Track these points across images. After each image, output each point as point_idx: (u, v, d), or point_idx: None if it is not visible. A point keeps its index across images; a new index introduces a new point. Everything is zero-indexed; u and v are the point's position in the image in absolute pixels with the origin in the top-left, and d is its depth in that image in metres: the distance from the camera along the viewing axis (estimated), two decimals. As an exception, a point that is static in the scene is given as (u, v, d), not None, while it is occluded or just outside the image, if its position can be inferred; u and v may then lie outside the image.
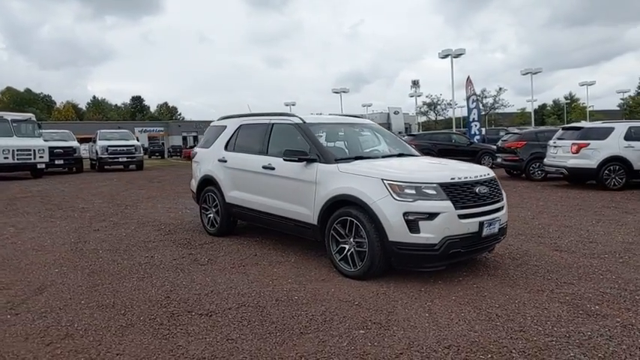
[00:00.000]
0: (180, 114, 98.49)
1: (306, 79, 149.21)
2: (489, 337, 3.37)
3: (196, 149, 7.52)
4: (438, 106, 45.20)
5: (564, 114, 74.02)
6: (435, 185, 4.45)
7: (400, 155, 5.75)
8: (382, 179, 4.56)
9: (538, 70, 43.88)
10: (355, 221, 4.68)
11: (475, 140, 21.19)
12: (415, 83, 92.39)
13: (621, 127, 11.72)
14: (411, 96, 58.17)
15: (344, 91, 51.44)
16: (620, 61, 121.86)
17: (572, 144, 11.89)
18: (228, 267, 5.26)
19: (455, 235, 4.41)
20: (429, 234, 4.34)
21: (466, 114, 27.66)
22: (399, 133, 40.35)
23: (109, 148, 21.29)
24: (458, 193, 4.51)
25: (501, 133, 26.29)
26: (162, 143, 58.14)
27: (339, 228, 4.87)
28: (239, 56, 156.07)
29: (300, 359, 3.09)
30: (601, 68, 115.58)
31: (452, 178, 4.56)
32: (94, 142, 22.54)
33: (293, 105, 61.65)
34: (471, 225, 4.49)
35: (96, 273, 5.08)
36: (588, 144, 11.70)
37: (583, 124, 12.76)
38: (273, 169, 5.71)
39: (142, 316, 3.83)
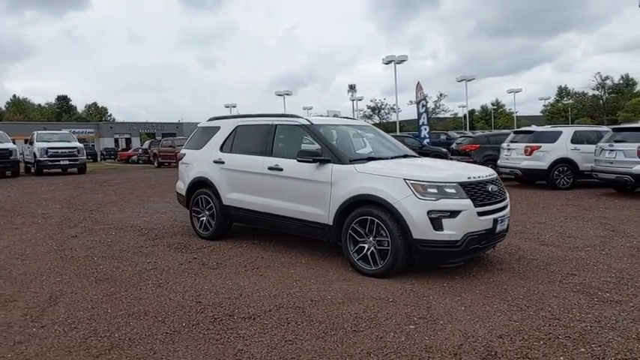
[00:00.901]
0: (110, 115, 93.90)
1: (241, 80, 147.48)
2: (531, 326, 3.59)
3: (184, 151, 7.29)
4: (382, 111, 46.62)
5: (492, 119, 78.58)
6: (455, 184, 4.67)
7: (405, 156, 5.93)
8: (405, 179, 4.70)
9: (472, 78, 46.41)
10: (376, 220, 4.79)
11: (425, 143, 22.02)
12: (352, 87, 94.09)
13: (568, 131, 12.74)
14: (353, 100, 59.27)
15: (287, 94, 51.48)
16: (538, 71, 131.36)
17: (526, 146, 12.75)
18: (242, 270, 5.17)
19: (474, 231, 4.64)
20: (452, 231, 4.54)
21: (408, 118, 28.79)
22: None
23: (49, 150, 19.92)
24: (475, 191, 4.75)
25: (442, 137, 27.58)
26: (93, 145, 55.17)
27: (358, 227, 4.95)
28: (171, 56, 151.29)
29: (368, 355, 3.14)
30: (521, 77, 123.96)
31: (469, 178, 4.80)
32: (31, 143, 21.00)
33: (234, 107, 60.86)
34: (487, 222, 4.75)
35: (104, 280, 4.81)
36: (540, 146, 12.60)
37: (534, 128, 13.70)
38: (280, 170, 5.68)
39: (184, 322, 3.70)
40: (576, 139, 12.61)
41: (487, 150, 15.04)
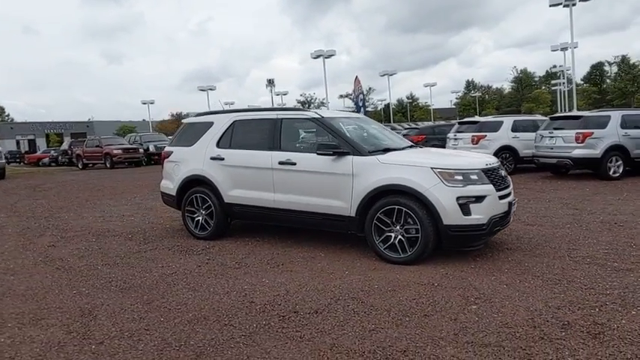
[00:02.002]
0: (8, 115, 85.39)
1: (151, 76, 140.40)
2: (576, 296, 3.93)
3: (172, 148, 6.92)
4: (312, 105, 46.65)
5: (407, 112, 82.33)
6: (477, 171, 4.94)
7: (411, 147, 6.12)
8: (431, 168, 4.88)
9: (393, 72, 48.23)
10: (404, 209, 4.92)
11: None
12: (270, 82, 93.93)
13: (508, 121, 13.78)
14: (277, 94, 59.08)
15: (210, 89, 50.11)
16: (444, 65, 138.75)
17: (472, 136, 13.61)
18: (267, 268, 5.08)
19: (496, 214, 4.95)
20: (479, 215, 4.81)
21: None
22: None
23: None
24: (493, 177, 5.06)
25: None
26: (-7, 148, 49.99)
27: (384, 217, 5.06)
28: (72, 51, 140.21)
29: (456, 336, 3.27)
30: (430, 71, 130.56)
31: (487, 164, 5.10)
32: None
33: (152, 103, 58.33)
34: (504, 205, 5.08)
35: (129, 289, 4.49)
36: (485, 136, 13.51)
37: (477, 118, 14.66)
38: (293, 164, 5.62)
39: (253, 324, 3.59)
40: (516, 128, 13.68)
41: (433, 140, 15.83)
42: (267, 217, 5.99)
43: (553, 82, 57.81)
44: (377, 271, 4.83)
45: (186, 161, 6.61)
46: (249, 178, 6.01)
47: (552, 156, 11.87)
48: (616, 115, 11.57)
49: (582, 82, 72.58)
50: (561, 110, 58.48)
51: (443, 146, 14.88)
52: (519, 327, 3.37)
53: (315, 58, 35.99)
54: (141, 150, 24.02)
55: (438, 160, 5.10)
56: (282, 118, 5.98)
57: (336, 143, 5.38)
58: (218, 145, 6.35)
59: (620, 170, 11.27)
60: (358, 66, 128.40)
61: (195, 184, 6.49)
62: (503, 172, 5.32)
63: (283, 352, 3.12)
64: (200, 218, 6.47)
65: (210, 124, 6.56)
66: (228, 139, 6.32)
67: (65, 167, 28.84)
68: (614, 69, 71.98)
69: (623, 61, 69.34)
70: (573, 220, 6.93)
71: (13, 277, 5.03)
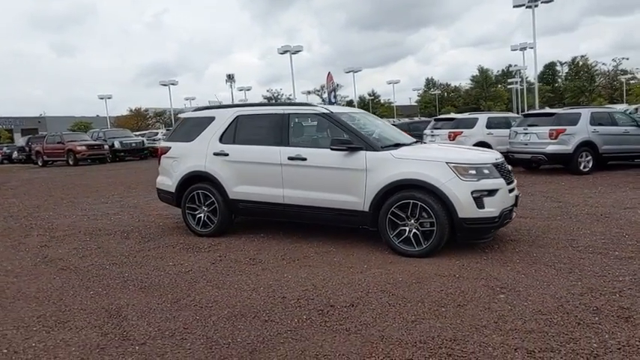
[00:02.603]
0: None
1: (104, 69, 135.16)
2: (593, 284, 4.13)
3: (169, 143, 6.74)
4: (279, 100, 46.19)
5: (370, 108, 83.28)
6: (489, 165, 5.10)
7: (417, 142, 6.23)
8: (446, 162, 5.00)
9: (359, 69, 48.64)
10: (419, 203, 5.02)
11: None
12: (231, 77, 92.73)
13: (483, 118, 14.23)
14: (241, 89, 58.30)
15: (172, 84, 48.88)
16: (403, 63, 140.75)
17: (449, 132, 13.96)
18: (284, 263, 5.05)
19: (507, 207, 5.13)
20: (492, 208, 4.96)
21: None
22: None
23: None
24: (502, 171, 5.24)
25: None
26: None
27: (398, 211, 5.14)
28: (18, 42, 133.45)
29: (497, 324, 3.38)
30: (389, 69, 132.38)
31: (496, 159, 5.27)
32: None
33: (109, 98, 56.35)
34: (512, 198, 5.27)
35: (148, 288, 4.37)
36: (462, 132, 13.90)
37: (454, 115, 15.04)
38: (304, 159, 5.61)
39: (295, 319, 3.58)
40: (490, 125, 14.14)
41: (408, 136, 16.09)
42: (275, 213, 5.95)
43: (510, 80, 59.91)
44: (394, 264, 4.90)
45: (186, 157, 6.46)
46: (256, 173, 5.95)
47: (527, 152, 12.34)
48: (586, 113, 12.15)
49: (535, 81, 75.64)
50: (516, 108, 60.91)
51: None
52: (553, 314, 3.52)
53: (282, 53, 35.80)
54: (106, 146, 23.18)
55: (451, 155, 5.22)
56: (289, 113, 5.94)
57: (349, 139, 5.40)
58: (221, 140, 6.24)
59: (590, 165, 11.86)
60: (319, 62, 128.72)
61: (197, 180, 6.36)
62: (509, 167, 5.51)
63: (336, 346, 3.13)
64: (202, 215, 6.34)
65: (212, 119, 6.44)
66: (231, 135, 6.23)
67: (22, 165, 27.45)
68: (565, 69, 75.39)
69: (574, 62, 72.79)
70: (561, 213, 7.25)
71: (17, 279, 4.79)
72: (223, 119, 6.33)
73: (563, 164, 12.11)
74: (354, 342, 3.17)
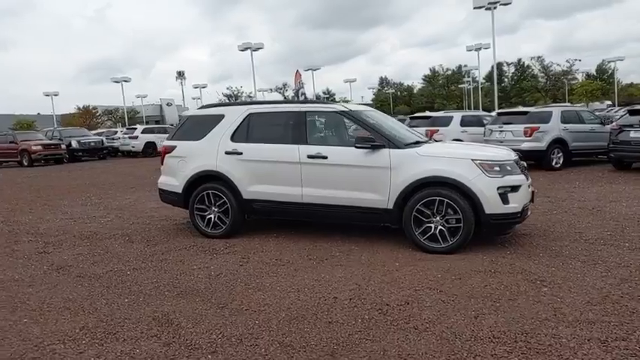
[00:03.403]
0: None
1: (43, 65, 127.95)
2: (623, 273, 4.33)
3: (174, 142, 6.46)
4: (239, 99, 45.29)
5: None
6: (511, 162, 5.25)
7: (429, 140, 6.31)
8: (472, 159, 5.10)
9: (317, 68, 48.75)
10: (446, 200, 5.09)
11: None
12: (181, 74, 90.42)
13: (457, 116, 14.65)
14: (196, 87, 56.88)
15: (125, 80, 47.06)
16: (354, 62, 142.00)
17: (426, 130, 14.23)
18: (315, 263, 4.99)
19: (527, 202, 5.29)
20: (515, 203, 5.11)
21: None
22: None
23: None
24: (521, 168, 5.40)
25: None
26: None
27: (423, 208, 5.19)
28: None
29: (556, 316, 3.49)
30: (340, 68, 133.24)
31: (516, 156, 5.43)
32: None
33: (55, 95, 53.69)
34: (530, 193, 5.45)
35: (186, 293, 4.19)
36: (438, 130, 14.22)
37: (429, 114, 15.37)
38: (325, 157, 5.55)
39: (357, 319, 3.54)
40: (464, 123, 14.57)
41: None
42: (292, 212, 5.86)
43: (466, 79, 61.88)
44: (424, 261, 4.94)
45: (194, 156, 6.23)
46: (273, 172, 5.83)
47: (502, 149, 12.79)
48: (557, 111, 12.77)
49: (484, 81, 78.56)
50: (466, 107, 63.10)
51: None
52: (604, 304, 3.66)
53: (242, 50, 35.27)
54: (63, 146, 21.99)
55: (475, 152, 5.33)
56: (306, 111, 5.86)
57: (372, 136, 5.40)
58: (232, 138, 6.07)
59: (561, 161, 12.48)
60: (270, 60, 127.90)
61: (207, 180, 6.16)
62: (524, 164, 5.69)
63: (414, 344, 3.12)
64: (212, 216, 6.15)
65: (221, 116, 6.24)
66: (244, 133, 6.06)
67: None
68: (512, 69, 78.76)
69: (519, 62, 76.24)
70: (554, 207, 7.57)
71: (32, 288, 4.45)
72: (234, 117, 6.15)
73: (536, 160, 12.64)
74: (429, 340, 3.17)
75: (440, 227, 5.15)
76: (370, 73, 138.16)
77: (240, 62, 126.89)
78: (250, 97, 46.61)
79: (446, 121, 14.50)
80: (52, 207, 9.34)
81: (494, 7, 25.67)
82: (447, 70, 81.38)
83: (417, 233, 5.23)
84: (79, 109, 57.86)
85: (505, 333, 3.24)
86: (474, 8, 26.21)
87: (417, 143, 5.62)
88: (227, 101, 47.05)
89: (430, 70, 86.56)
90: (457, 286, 4.18)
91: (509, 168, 5.18)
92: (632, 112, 12.05)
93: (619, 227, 6.05)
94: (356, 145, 5.38)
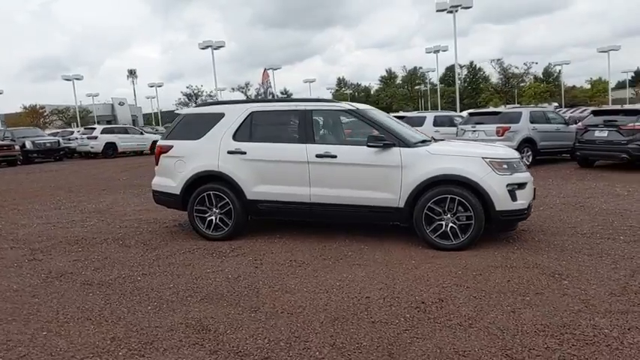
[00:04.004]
0: None
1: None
2: (630, 265, 4.54)
3: (170, 142, 6.21)
4: (199, 98, 44.24)
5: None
6: (517, 160, 5.39)
7: (433, 139, 6.38)
8: (482, 157, 5.20)
9: (278, 67, 48.43)
10: (457, 198, 5.17)
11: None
12: (132, 73, 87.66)
13: (430, 116, 14.96)
14: (152, 85, 55.19)
15: (77, 78, 44.97)
16: (310, 62, 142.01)
17: (401, 130, 14.48)
18: (331, 264, 4.93)
19: (531, 199, 5.46)
20: (522, 200, 5.26)
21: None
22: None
23: None
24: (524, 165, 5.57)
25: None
26: None
27: (435, 206, 5.24)
28: None
29: (587, 307, 3.60)
30: (296, 67, 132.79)
31: (520, 154, 5.59)
32: None
33: (0, 93, 50.80)
34: (532, 190, 5.62)
35: (214, 299, 4.03)
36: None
37: (403, 114, 15.61)
38: (334, 157, 5.50)
39: (400, 318, 3.51)
40: (437, 123, 14.90)
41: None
42: (299, 212, 5.77)
43: (424, 81, 63.22)
44: (439, 258, 4.98)
45: (193, 156, 6.02)
46: (279, 172, 5.72)
47: (476, 148, 13.18)
48: (526, 112, 13.29)
49: (438, 83, 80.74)
50: (422, 108, 64.59)
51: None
52: (627, 294, 3.82)
53: (203, 48, 34.55)
54: (17, 147, 20.74)
55: (483, 150, 5.43)
56: (312, 110, 5.79)
57: (382, 135, 5.40)
58: (234, 138, 5.91)
59: (530, 160, 12.98)
60: (225, 59, 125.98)
61: (208, 180, 5.96)
62: (526, 162, 5.87)
63: (465, 340, 3.13)
64: (213, 218, 5.96)
65: (221, 115, 6.06)
66: (246, 132, 5.92)
67: None
68: (465, 71, 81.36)
69: (472, 65, 78.94)
70: (540, 204, 7.83)
71: (38, 299, 4.15)
72: (235, 116, 5.98)
73: (507, 159, 13.11)
74: (478, 335, 3.20)
75: (451, 224, 5.22)
76: (327, 73, 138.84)
77: (193, 60, 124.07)
78: (211, 96, 45.75)
79: (420, 121, 14.77)
80: (24, 212, 8.77)
81: (456, 11, 26.45)
82: (409, 71, 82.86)
83: (428, 231, 5.28)
84: (25, 108, 54.86)
85: (547, 326, 3.31)
86: (437, 11, 26.90)
87: (424, 142, 5.68)
88: (187, 100, 45.74)
89: (386, 71, 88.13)
90: (481, 281, 4.24)
91: (515, 166, 5.32)
92: (595, 113, 12.74)
93: (607, 221, 6.34)
94: (368, 144, 5.36)
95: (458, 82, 32.56)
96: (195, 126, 6.18)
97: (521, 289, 4.02)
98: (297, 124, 5.76)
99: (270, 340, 3.20)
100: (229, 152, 5.85)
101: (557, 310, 3.58)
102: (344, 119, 6.42)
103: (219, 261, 5.12)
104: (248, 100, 6.32)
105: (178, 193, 6.07)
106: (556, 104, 53.53)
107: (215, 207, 5.94)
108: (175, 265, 5.02)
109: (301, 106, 5.86)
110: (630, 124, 11.22)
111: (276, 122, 5.92)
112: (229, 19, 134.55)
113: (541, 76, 70.46)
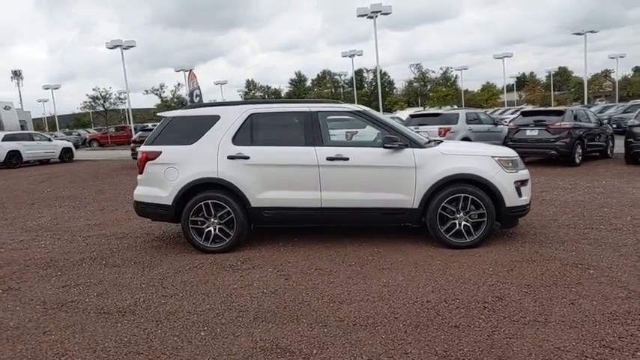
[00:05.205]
0: None
1: None
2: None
3: (158, 147, 5.60)
4: (107, 101, 40.76)
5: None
6: (518, 158, 5.65)
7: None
8: (492, 156, 5.37)
9: (191, 68, 46.53)
10: (470, 196, 5.28)
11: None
12: (17, 74, 79.58)
13: (405, 117, 15.26)
14: (47, 88, 50.18)
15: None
16: (214, 64, 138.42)
17: (346, 132, 14.58)
18: (359, 269, 4.78)
19: (530, 194, 5.75)
20: (526, 196, 5.52)
21: (138, 107, 27.21)
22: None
23: None
24: (521, 163, 5.85)
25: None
26: None
27: (448, 205, 5.31)
28: None
29: (630, 298, 3.86)
30: (200, 69, 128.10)
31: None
32: None
33: None
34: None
35: (265, 317, 3.69)
36: (357, 132, 14.64)
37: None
38: (346, 159, 5.35)
39: (476, 318, 3.48)
40: (410, 124, 15.24)
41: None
42: (309, 218, 5.53)
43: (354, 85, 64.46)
44: (459, 256, 5.04)
45: (187, 162, 5.51)
46: (287, 177, 5.44)
47: (420, 148, 13.71)
48: (462, 113, 14.10)
49: (347, 86, 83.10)
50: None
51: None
52: (660, 280, 4.15)
53: (111, 48, 32.15)
54: None
55: (490, 150, 5.61)
56: (318, 111, 5.58)
57: (397, 136, 5.36)
58: (234, 141, 5.51)
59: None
60: (120, 59, 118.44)
61: (204, 188, 5.50)
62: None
63: (557, 335, 3.18)
64: (211, 229, 5.51)
65: (215, 117, 5.62)
66: (247, 135, 5.55)
67: None
68: (371, 75, 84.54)
69: (376, 69, 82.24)
70: (538, 199, 8.21)
71: (52, 335, 3.50)
72: (232, 118, 5.58)
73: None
74: (564, 329, 3.27)
75: (464, 223, 5.32)
76: (231, 75, 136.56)
77: (86, 61, 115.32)
78: (120, 99, 42.78)
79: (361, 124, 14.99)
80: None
81: (376, 16, 27.40)
82: (334, 74, 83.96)
83: (442, 230, 5.33)
84: None
85: (615, 314, 3.48)
86: (358, 16, 27.67)
87: (430, 142, 5.74)
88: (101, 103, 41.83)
89: (296, 74, 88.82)
90: (518, 277, 4.36)
91: (518, 163, 5.57)
92: (524, 114, 13.86)
93: (577, 213, 6.87)
94: (385, 145, 5.29)
95: (380, 85, 33.66)
96: (185, 130, 5.67)
97: (560, 281, 4.19)
98: (302, 126, 5.52)
99: (371, 356, 2.99)
100: (230, 157, 5.44)
101: (608, 298, 3.78)
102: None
103: (237, 275, 4.73)
104: (243, 102, 5.92)
105: (170, 203, 5.52)
106: (455, 107, 57.71)
107: (214, 217, 5.49)
108: (192, 283, 4.54)
109: (305, 107, 5.62)
110: (557, 124, 12.36)
111: (278, 124, 5.62)
112: (126, 19, 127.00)
113: (440, 81, 75.42)
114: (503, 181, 5.30)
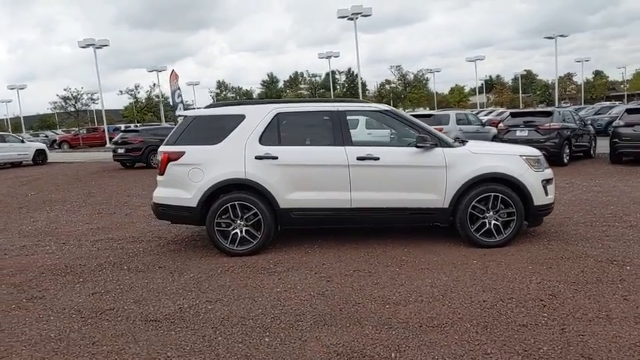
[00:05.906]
0: None
1: None
2: (657, 248, 5.10)
3: (182, 147, 5.39)
4: (79, 102, 39.14)
5: (161, 112, 78.90)
6: (542, 157, 5.72)
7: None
8: (520, 155, 5.42)
9: (162, 69, 45.80)
10: (500, 195, 5.31)
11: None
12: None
13: (362, 120, 15.23)
14: (12, 88, 48.13)
15: None
16: (182, 64, 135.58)
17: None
18: (398, 270, 4.73)
19: (554, 194, 5.83)
20: (551, 195, 5.59)
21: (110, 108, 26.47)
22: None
23: None
24: (541, 163, 5.93)
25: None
26: None
27: (478, 205, 5.33)
28: None
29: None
30: (168, 69, 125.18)
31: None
32: None
33: None
34: (552, 185, 6.01)
35: (325, 320, 3.59)
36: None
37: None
38: (376, 159, 5.29)
39: (539, 316, 3.47)
40: (369, 126, 15.23)
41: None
42: (338, 219, 5.44)
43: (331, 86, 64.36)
44: (493, 255, 5.05)
45: (213, 163, 5.34)
46: (317, 177, 5.34)
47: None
48: (453, 114, 14.29)
49: (332, 88, 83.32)
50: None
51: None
52: (695, 274, 4.26)
53: (84, 47, 31.12)
54: None
55: (517, 149, 5.65)
56: (345, 110, 5.51)
57: (427, 136, 5.34)
58: (261, 141, 5.37)
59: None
60: (84, 59, 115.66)
61: (231, 189, 5.34)
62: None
63: (623, 332, 3.20)
64: (237, 231, 5.35)
65: (241, 117, 5.47)
66: (274, 135, 5.42)
67: None
68: (343, 77, 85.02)
69: (349, 71, 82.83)
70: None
71: (107, 347, 3.29)
72: (258, 118, 5.44)
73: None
74: (631, 326, 3.30)
75: (494, 222, 5.34)
76: (200, 76, 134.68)
77: (48, 60, 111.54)
78: (93, 99, 41.44)
79: (354, 124, 14.99)
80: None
81: (357, 18, 27.50)
82: (315, 76, 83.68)
83: (472, 230, 5.34)
84: None
85: (671, 309, 3.54)
86: (338, 17, 27.69)
87: (456, 141, 5.75)
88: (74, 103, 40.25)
89: (268, 75, 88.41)
90: (558, 274, 4.40)
91: (543, 162, 5.64)
92: (513, 115, 14.15)
93: (588, 211, 7.01)
94: (417, 145, 5.27)
95: (360, 86, 33.84)
96: (209, 129, 5.49)
97: (602, 278, 4.25)
98: (330, 126, 5.44)
99: (453, 357, 2.93)
100: (257, 157, 5.30)
101: (653, 290, 3.85)
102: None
103: (275, 278, 4.60)
104: (268, 101, 5.78)
105: (195, 205, 5.33)
106: (428, 108, 58.65)
107: (240, 219, 5.34)
108: (230, 287, 4.39)
109: (332, 107, 5.54)
110: (547, 125, 12.67)
111: (306, 124, 5.53)
112: (90, 18, 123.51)
113: (415, 83, 76.37)
114: (532, 179, 5.35)
